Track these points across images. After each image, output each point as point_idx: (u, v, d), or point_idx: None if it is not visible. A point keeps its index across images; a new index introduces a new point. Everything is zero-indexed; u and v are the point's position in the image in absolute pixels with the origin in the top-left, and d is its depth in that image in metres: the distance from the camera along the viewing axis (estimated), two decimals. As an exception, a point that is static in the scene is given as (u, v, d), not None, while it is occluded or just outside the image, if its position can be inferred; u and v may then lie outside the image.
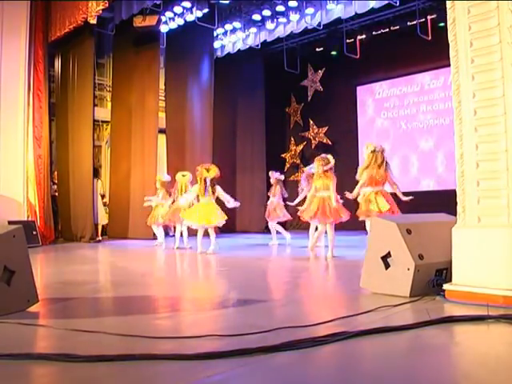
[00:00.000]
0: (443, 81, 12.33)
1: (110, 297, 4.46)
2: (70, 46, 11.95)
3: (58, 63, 12.49)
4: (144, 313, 3.59)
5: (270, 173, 10.07)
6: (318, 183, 7.17)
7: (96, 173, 12.75)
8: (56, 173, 12.59)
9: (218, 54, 14.02)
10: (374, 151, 6.80)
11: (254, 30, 12.98)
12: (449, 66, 3.68)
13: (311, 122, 14.87)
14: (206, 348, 2.51)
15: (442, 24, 10.85)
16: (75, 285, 5.01)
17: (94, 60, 12.01)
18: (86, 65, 11.73)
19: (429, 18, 11.61)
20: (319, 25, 11.75)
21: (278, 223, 9.86)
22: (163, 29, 12.49)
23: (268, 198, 10.11)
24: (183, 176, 9.30)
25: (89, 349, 2.53)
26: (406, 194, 6.80)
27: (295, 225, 13.51)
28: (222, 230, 13.19)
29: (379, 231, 4.02)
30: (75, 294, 4.45)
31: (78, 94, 11.87)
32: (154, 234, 10.46)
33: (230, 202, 8.34)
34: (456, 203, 3.64)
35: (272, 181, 9.95)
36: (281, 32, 12.68)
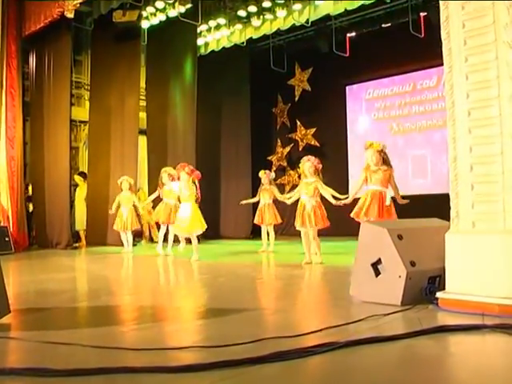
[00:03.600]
0: (436, 80, 12.41)
1: (86, 307, 4.42)
2: (46, 41, 11.86)
3: (32, 59, 12.39)
4: (123, 323, 3.56)
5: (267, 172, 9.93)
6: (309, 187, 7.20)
7: (84, 175, 12.70)
8: (30, 176, 12.50)
9: (202, 51, 13.99)
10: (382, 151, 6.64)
11: (239, 26, 12.98)
12: (442, 64, 3.71)
13: (298, 122, 14.89)
14: (189, 360, 2.49)
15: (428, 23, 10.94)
16: (50, 294, 4.96)
17: (72, 57, 11.93)
18: (63, 62, 11.64)
19: (421, 14, 11.68)
20: (307, 22, 11.78)
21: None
22: (144, 25, 12.45)
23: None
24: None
25: (64, 362, 2.50)
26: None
27: (282, 230, 13.51)
28: (205, 236, 13.15)
29: (369, 237, 4.02)
30: (50, 303, 4.40)
31: (54, 92, 11.78)
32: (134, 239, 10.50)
33: None
34: (449, 208, 3.66)
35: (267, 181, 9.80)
36: (267, 29, 12.68)
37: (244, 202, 10.25)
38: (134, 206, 10.13)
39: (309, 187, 7.16)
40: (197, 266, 7.44)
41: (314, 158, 7.35)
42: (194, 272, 6.98)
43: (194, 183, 8.07)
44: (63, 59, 11.65)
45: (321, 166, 7.33)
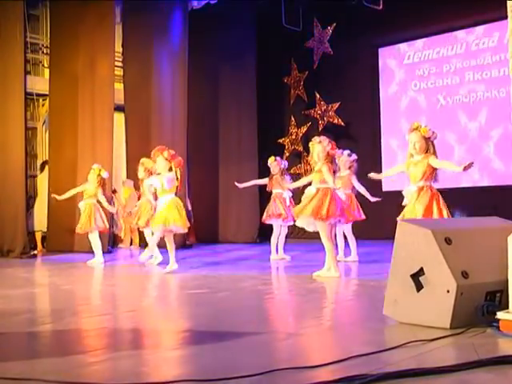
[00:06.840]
0: (498, 39, 12.31)
1: (48, 331, 4.42)
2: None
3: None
4: (94, 351, 3.56)
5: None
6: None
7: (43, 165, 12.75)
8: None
9: (194, 4, 13.99)
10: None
11: (241, -29, 12.98)
12: (505, 17, 3.67)
13: (318, 96, 14.87)
14: (177, 398, 2.49)
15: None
16: (1, 316, 4.97)
17: (25, 10, 11.88)
18: (13, 17, 11.53)
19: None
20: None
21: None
22: (120, -30, 12.47)
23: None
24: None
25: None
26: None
27: (297, 233, 13.50)
28: (200, 240, 13.18)
29: (408, 240, 4.00)
30: (1, 328, 4.40)
31: (1, 57, 11.74)
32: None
33: None
34: (513, 202, 3.64)
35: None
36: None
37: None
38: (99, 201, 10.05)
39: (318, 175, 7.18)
40: (189, 279, 7.45)
41: (326, 139, 7.29)
42: (186, 286, 6.98)
43: (174, 172, 8.00)
44: (13, 13, 11.54)
45: (335, 151, 7.26)
